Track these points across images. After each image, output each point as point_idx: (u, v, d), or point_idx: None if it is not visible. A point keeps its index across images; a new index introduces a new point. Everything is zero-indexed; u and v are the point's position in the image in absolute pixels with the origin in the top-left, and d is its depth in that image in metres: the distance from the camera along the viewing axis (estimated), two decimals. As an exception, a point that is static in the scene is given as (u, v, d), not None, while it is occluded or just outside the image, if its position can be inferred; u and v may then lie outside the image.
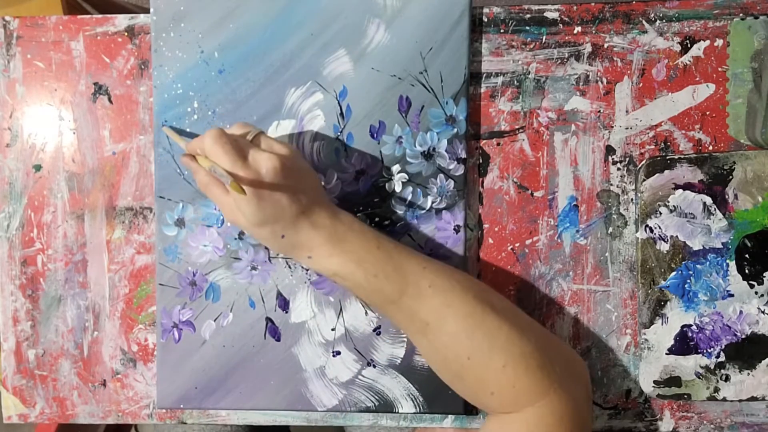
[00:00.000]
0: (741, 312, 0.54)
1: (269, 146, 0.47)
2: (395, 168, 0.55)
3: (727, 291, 0.54)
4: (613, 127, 0.55)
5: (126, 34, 0.56)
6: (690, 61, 0.54)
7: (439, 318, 0.47)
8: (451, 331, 0.47)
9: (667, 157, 0.54)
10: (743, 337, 0.54)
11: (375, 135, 0.55)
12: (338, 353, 0.56)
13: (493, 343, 0.46)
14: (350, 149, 0.55)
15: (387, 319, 0.55)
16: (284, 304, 0.56)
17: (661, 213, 0.54)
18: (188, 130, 0.55)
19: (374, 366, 0.56)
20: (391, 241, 0.49)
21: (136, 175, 0.57)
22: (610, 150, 0.55)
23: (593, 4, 0.55)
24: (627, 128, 0.55)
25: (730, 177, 0.53)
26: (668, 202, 0.54)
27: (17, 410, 0.58)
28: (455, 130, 0.54)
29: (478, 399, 0.48)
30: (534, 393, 0.46)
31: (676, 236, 0.54)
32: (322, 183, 0.55)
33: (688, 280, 0.54)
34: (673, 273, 0.54)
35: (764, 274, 0.54)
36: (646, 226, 0.54)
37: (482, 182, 0.56)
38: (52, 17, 0.57)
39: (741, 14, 0.54)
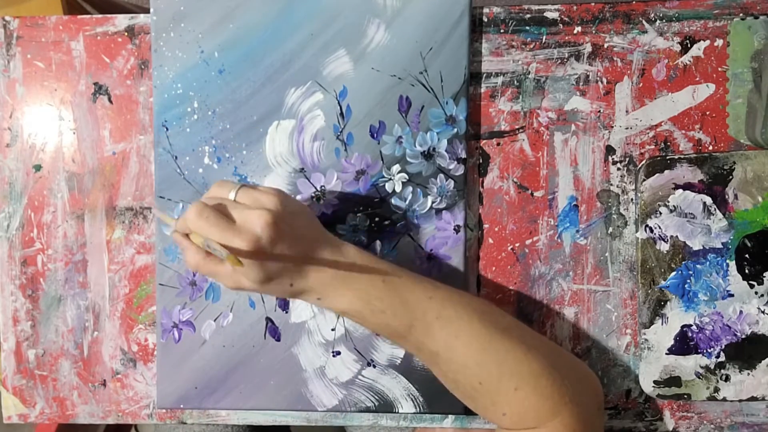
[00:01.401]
0: (741, 312, 0.54)
1: (255, 200, 0.45)
2: (395, 168, 0.55)
3: (727, 291, 0.54)
4: (613, 127, 0.55)
5: (126, 34, 0.56)
6: (690, 61, 0.54)
7: (447, 349, 0.47)
8: (460, 361, 0.47)
9: (667, 157, 0.54)
10: (743, 337, 0.54)
11: (375, 135, 0.55)
12: (338, 353, 0.56)
13: (502, 367, 0.46)
14: (350, 149, 0.55)
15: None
16: (284, 304, 0.56)
17: (661, 213, 0.54)
18: (188, 130, 0.55)
19: (374, 366, 0.56)
20: (396, 269, 0.49)
21: (136, 175, 0.57)
22: (610, 150, 0.55)
23: (593, 4, 0.55)
24: (627, 128, 0.55)
25: (730, 177, 0.53)
26: (668, 202, 0.54)
27: (17, 410, 0.58)
28: (455, 130, 0.54)
29: (490, 417, 0.49)
30: (546, 412, 0.46)
31: (676, 236, 0.54)
32: (322, 184, 0.55)
33: (688, 280, 0.54)
34: (673, 273, 0.54)
35: (764, 274, 0.54)
36: (646, 226, 0.54)
37: (482, 182, 0.56)
38: (52, 17, 0.57)
39: (741, 14, 0.54)
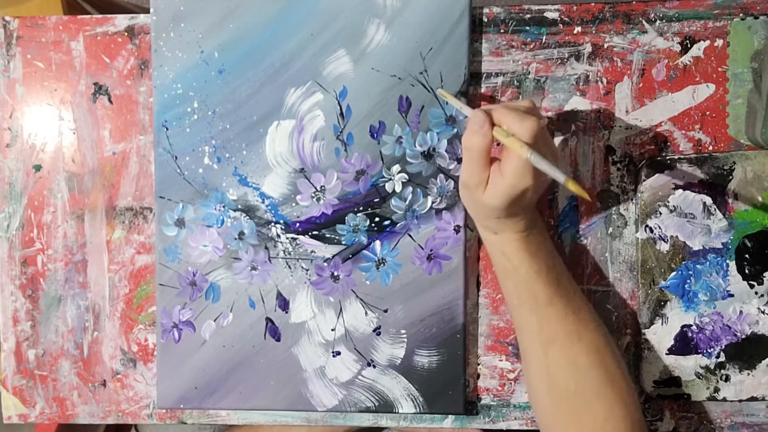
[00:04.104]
0: (741, 312, 0.54)
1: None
2: (395, 168, 0.55)
3: (727, 291, 0.54)
4: (613, 127, 0.55)
5: (126, 34, 0.56)
6: (690, 61, 0.54)
7: (566, 342, 0.48)
8: (571, 359, 0.48)
9: (667, 157, 0.54)
10: (743, 337, 0.54)
11: (375, 135, 0.55)
12: (338, 353, 0.56)
13: (603, 391, 0.47)
14: (350, 149, 0.55)
15: (385, 319, 0.55)
16: (284, 304, 0.56)
17: (661, 213, 0.54)
18: (188, 130, 0.55)
19: (374, 366, 0.56)
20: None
21: (136, 175, 0.57)
22: (610, 150, 0.55)
23: (593, 4, 0.55)
24: (627, 128, 0.55)
25: (730, 177, 0.53)
26: (668, 202, 0.54)
27: (17, 410, 0.58)
28: (455, 130, 0.54)
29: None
30: None
31: (676, 236, 0.54)
32: (322, 184, 0.55)
33: (688, 280, 0.54)
34: (673, 273, 0.54)
35: (764, 274, 0.54)
36: (646, 226, 0.54)
37: (482, 182, 0.56)
38: (52, 17, 0.57)
39: (741, 14, 0.54)
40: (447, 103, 0.54)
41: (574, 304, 0.49)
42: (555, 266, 0.50)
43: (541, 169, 0.42)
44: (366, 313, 0.55)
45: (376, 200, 0.55)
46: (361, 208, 0.55)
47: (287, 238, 0.55)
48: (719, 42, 0.54)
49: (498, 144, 0.46)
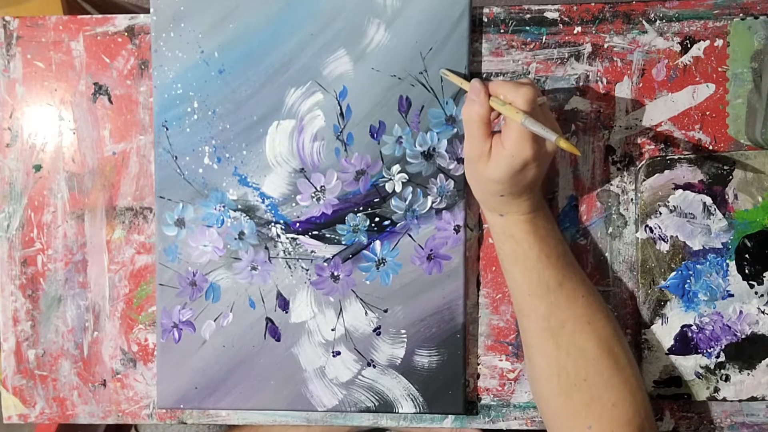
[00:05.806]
0: (741, 312, 0.54)
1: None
2: (395, 168, 0.55)
3: (727, 291, 0.54)
4: (613, 127, 0.55)
5: (126, 34, 0.56)
6: (690, 61, 0.54)
7: (576, 327, 0.48)
8: (582, 345, 0.48)
9: (667, 157, 0.54)
10: (743, 337, 0.54)
11: (375, 135, 0.55)
12: (338, 353, 0.56)
13: (613, 378, 0.48)
14: (350, 149, 0.55)
15: (385, 319, 0.55)
16: (284, 304, 0.56)
17: (661, 213, 0.54)
18: (188, 130, 0.55)
19: (374, 366, 0.56)
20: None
21: (136, 175, 0.57)
22: (610, 150, 0.55)
23: (593, 4, 0.55)
24: (627, 128, 0.55)
25: (730, 177, 0.53)
26: (668, 202, 0.54)
27: (17, 410, 0.58)
28: (455, 130, 0.54)
29: (572, 426, 0.48)
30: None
31: (676, 236, 0.54)
32: (322, 184, 0.55)
33: (688, 280, 0.54)
34: (673, 273, 0.54)
35: (764, 274, 0.54)
36: (646, 226, 0.54)
37: (482, 182, 0.56)
38: (52, 17, 0.57)
39: (741, 14, 0.54)
40: (447, 102, 0.54)
41: (583, 288, 0.50)
42: (565, 252, 0.50)
43: (534, 131, 0.44)
44: (366, 313, 0.55)
45: (376, 200, 0.55)
46: (361, 208, 0.55)
47: (287, 238, 0.55)
48: (719, 42, 0.54)
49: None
